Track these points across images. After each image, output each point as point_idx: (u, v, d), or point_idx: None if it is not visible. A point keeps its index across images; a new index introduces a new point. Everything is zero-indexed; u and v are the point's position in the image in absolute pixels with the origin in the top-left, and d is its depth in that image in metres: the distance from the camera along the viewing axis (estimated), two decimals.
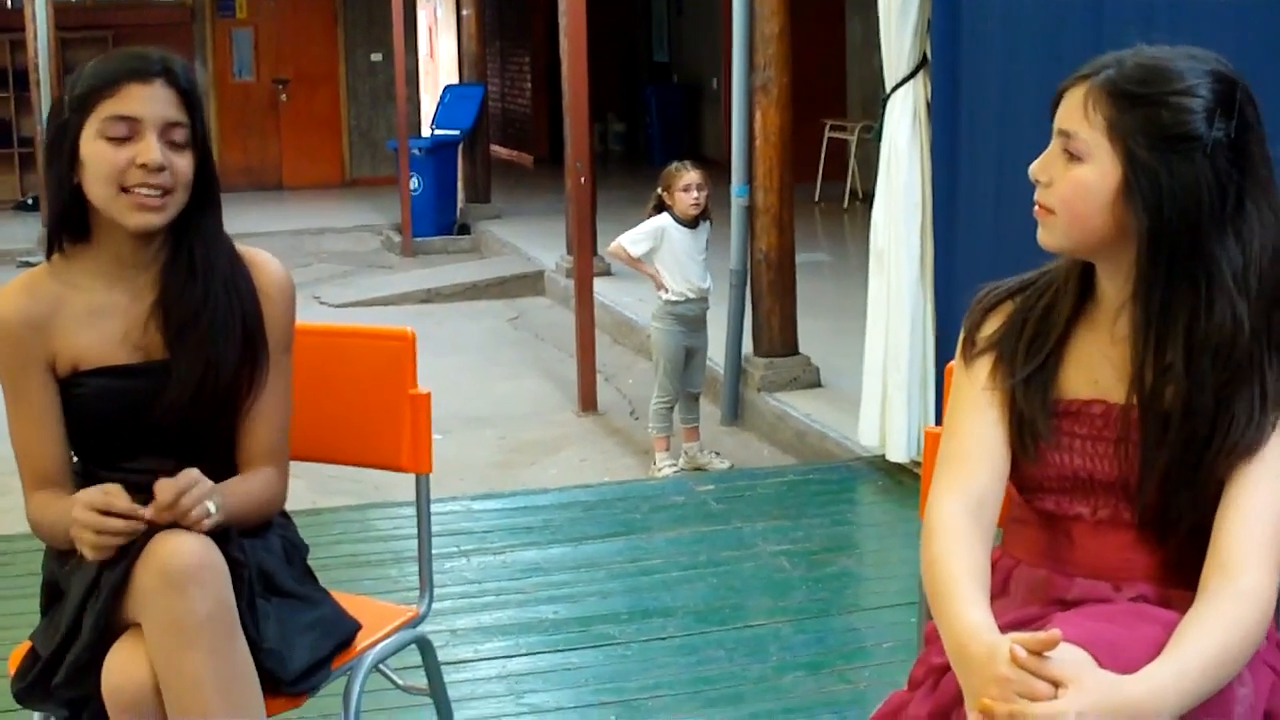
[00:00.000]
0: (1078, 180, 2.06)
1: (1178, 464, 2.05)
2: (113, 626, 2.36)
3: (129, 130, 2.46)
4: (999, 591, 2.21)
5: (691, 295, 6.96)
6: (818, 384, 7.51)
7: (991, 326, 2.24)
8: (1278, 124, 2.13)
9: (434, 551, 3.24)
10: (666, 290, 6.93)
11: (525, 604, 4.60)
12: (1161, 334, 2.05)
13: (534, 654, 4.22)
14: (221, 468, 2.60)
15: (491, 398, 8.86)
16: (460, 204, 15.19)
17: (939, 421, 2.33)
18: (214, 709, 2.29)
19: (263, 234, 14.83)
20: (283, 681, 2.47)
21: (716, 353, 7.47)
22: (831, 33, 15.53)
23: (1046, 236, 2.13)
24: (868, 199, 9.52)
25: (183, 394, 2.53)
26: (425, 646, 2.95)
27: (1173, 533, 2.09)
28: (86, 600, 2.36)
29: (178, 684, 2.29)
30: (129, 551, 2.33)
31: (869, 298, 5.92)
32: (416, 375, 2.96)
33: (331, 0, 18.99)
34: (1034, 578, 2.19)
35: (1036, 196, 2.13)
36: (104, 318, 2.57)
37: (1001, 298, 2.26)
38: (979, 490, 2.15)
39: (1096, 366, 2.15)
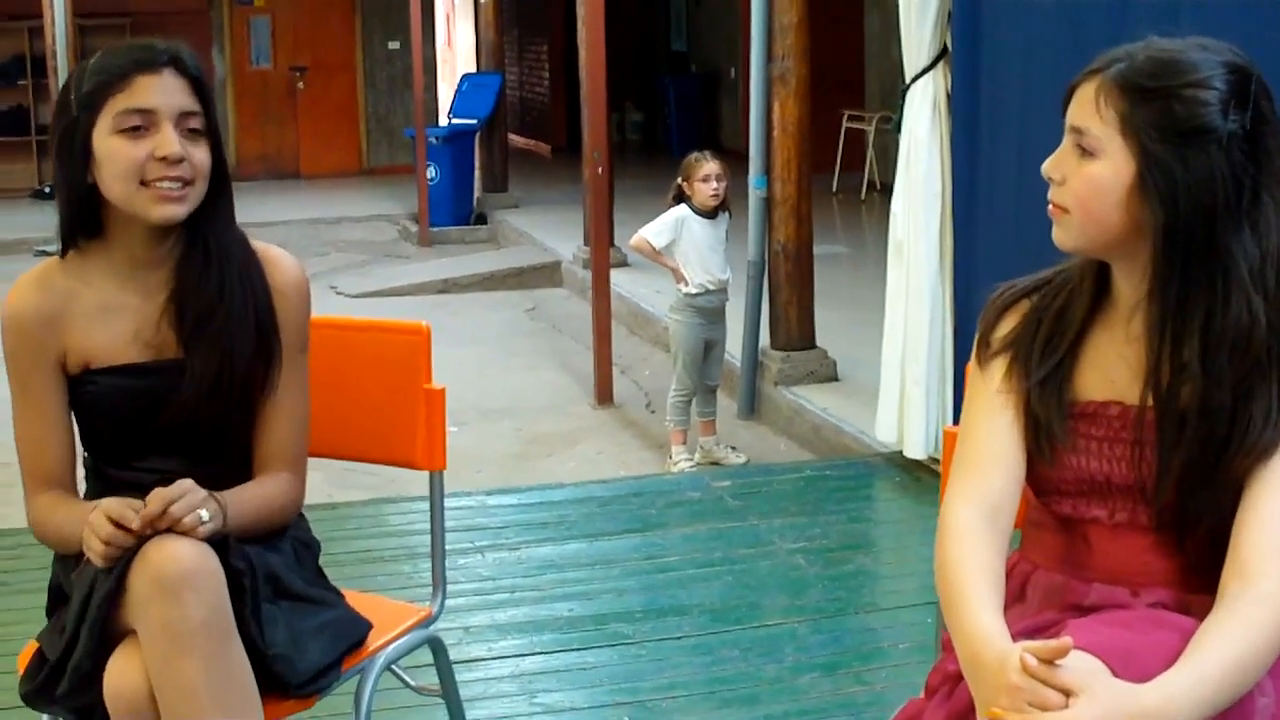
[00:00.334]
0: (1091, 177, 2.02)
1: (1195, 464, 2.01)
2: (112, 633, 2.32)
3: (144, 122, 2.42)
4: (1016, 597, 2.18)
5: (711, 287, 6.92)
6: (835, 378, 7.48)
7: (1006, 327, 2.20)
8: None
9: (448, 548, 3.22)
10: (686, 284, 6.89)
11: (540, 601, 4.56)
12: (1178, 331, 2.01)
13: (548, 653, 4.18)
14: (236, 470, 2.57)
15: (508, 389, 8.84)
16: (477, 193, 15.18)
17: (958, 420, 2.29)
18: (209, 716, 2.25)
19: (279, 223, 14.85)
20: (291, 685, 2.43)
21: (733, 345, 7.44)
22: (850, 23, 15.47)
23: (1062, 235, 2.09)
24: (886, 190, 9.48)
25: (197, 391, 2.49)
26: (437, 647, 2.92)
27: (1191, 535, 2.05)
28: (86, 607, 2.33)
29: (172, 691, 2.25)
30: (125, 558, 2.29)
31: (887, 291, 5.87)
32: (431, 370, 2.92)
33: None
34: (1051, 583, 2.16)
35: (1050, 195, 2.09)
36: (116, 315, 2.53)
37: (1017, 297, 2.22)
38: (994, 495, 2.12)
39: (1112, 367, 2.12)
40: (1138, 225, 2.01)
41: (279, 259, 2.63)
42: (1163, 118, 1.97)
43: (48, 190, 16.56)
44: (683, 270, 6.88)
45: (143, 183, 2.42)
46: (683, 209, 6.89)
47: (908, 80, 5.70)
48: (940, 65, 5.58)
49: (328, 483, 6.17)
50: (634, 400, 8.45)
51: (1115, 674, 1.83)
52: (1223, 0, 3.97)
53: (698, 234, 6.86)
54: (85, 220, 2.51)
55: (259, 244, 2.64)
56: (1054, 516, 2.18)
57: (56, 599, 2.54)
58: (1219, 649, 1.87)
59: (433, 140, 14.53)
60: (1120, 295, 2.12)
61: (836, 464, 6.21)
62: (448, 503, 3.02)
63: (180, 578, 2.25)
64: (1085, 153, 2.03)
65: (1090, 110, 2.02)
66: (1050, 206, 2.09)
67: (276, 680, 2.41)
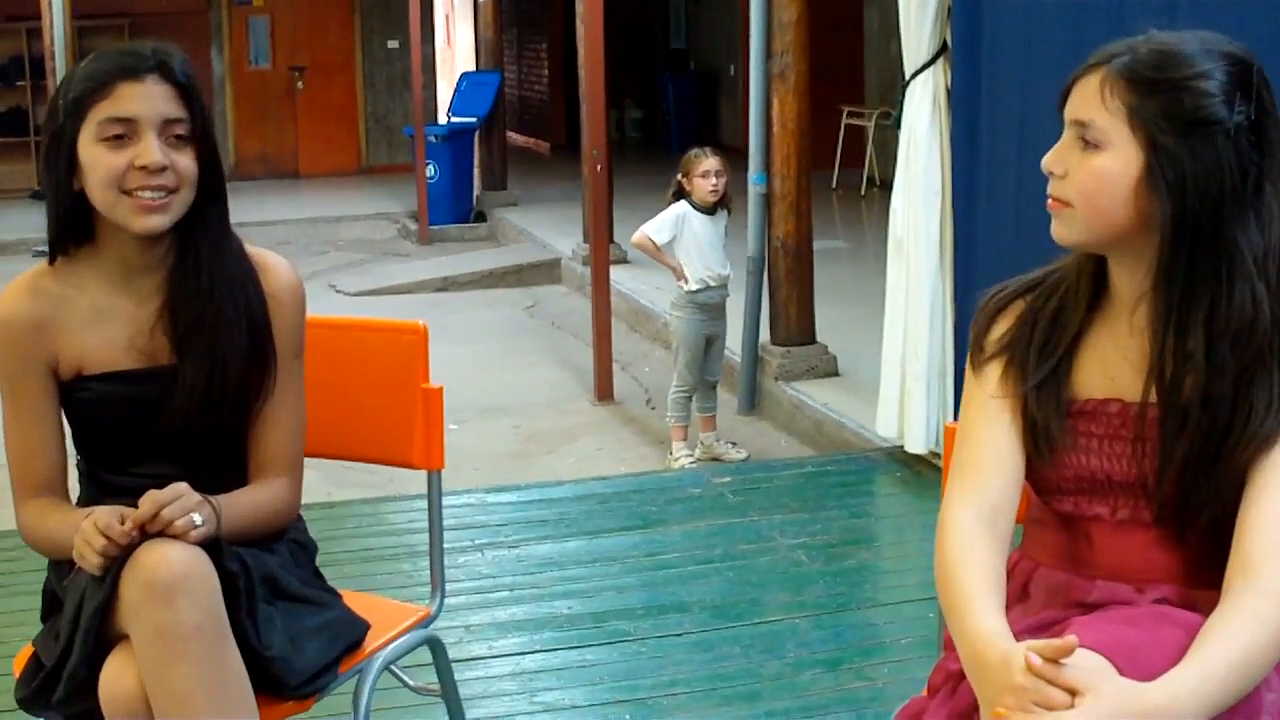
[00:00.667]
0: (1097, 169, 2.01)
1: (1196, 455, 2.00)
2: (106, 639, 2.31)
3: (126, 131, 2.39)
4: (1019, 596, 2.17)
5: (712, 283, 6.91)
6: (835, 373, 7.47)
7: (1000, 330, 2.18)
8: None
9: (447, 546, 3.21)
10: (687, 281, 6.88)
11: (539, 599, 4.55)
12: (1183, 322, 2.00)
13: (548, 651, 4.17)
14: (232, 475, 2.56)
15: (507, 386, 8.83)
16: (476, 191, 15.17)
17: (959, 415, 2.28)
18: None
19: (279, 222, 14.85)
20: (288, 686, 2.42)
21: (733, 341, 7.43)
22: (849, 19, 15.47)
23: (1062, 230, 2.07)
24: (885, 186, 9.47)
25: (190, 399, 2.47)
26: (436, 647, 2.90)
27: (1193, 528, 2.04)
28: (79, 614, 2.31)
29: (166, 695, 2.23)
30: (116, 563, 2.28)
31: (887, 286, 5.86)
32: (428, 369, 2.90)
33: None
34: (1054, 581, 2.15)
35: (1050, 190, 2.07)
36: (109, 321, 2.51)
37: (1009, 299, 2.20)
38: (993, 497, 2.11)
39: (1112, 364, 2.10)
40: (1143, 217, 2.00)
41: (274, 265, 2.61)
42: (1171, 108, 1.96)
43: None
44: (684, 268, 6.87)
45: (124, 192, 2.40)
46: (683, 205, 6.88)
47: (907, 76, 5.69)
48: (940, 61, 5.57)
49: (326, 481, 6.16)
50: (634, 397, 8.44)
51: (1121, 672, 1.82)
52: None
53: (698, 230, 6.85)
54: (74, 226, 2.49)
55: (254, 249, 2.61)
56: (1055, 515, 2.16)
57: (51, 604, 2.52)
58: (1225, 645, 1.85)
59: (432, 139, 14.52)
60: (1118, 291, 2.10)
61: (837, 459, 6.20)
62: (447, 501, 3.01)
63: (172, 582, 2.23)
64: (1089, 145, 2.02)
65: (1095, 102, 2.01)
66: (1050, 201, 2.08)
67: (274, 681, 2.40)
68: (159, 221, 2.42)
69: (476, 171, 15.19)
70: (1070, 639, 1.80)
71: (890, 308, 5.85)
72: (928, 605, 4.23)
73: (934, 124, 5.60)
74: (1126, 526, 2.09)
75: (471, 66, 16.38)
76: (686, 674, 3.99)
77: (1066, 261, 2.17)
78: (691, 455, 6.96)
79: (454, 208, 14.70)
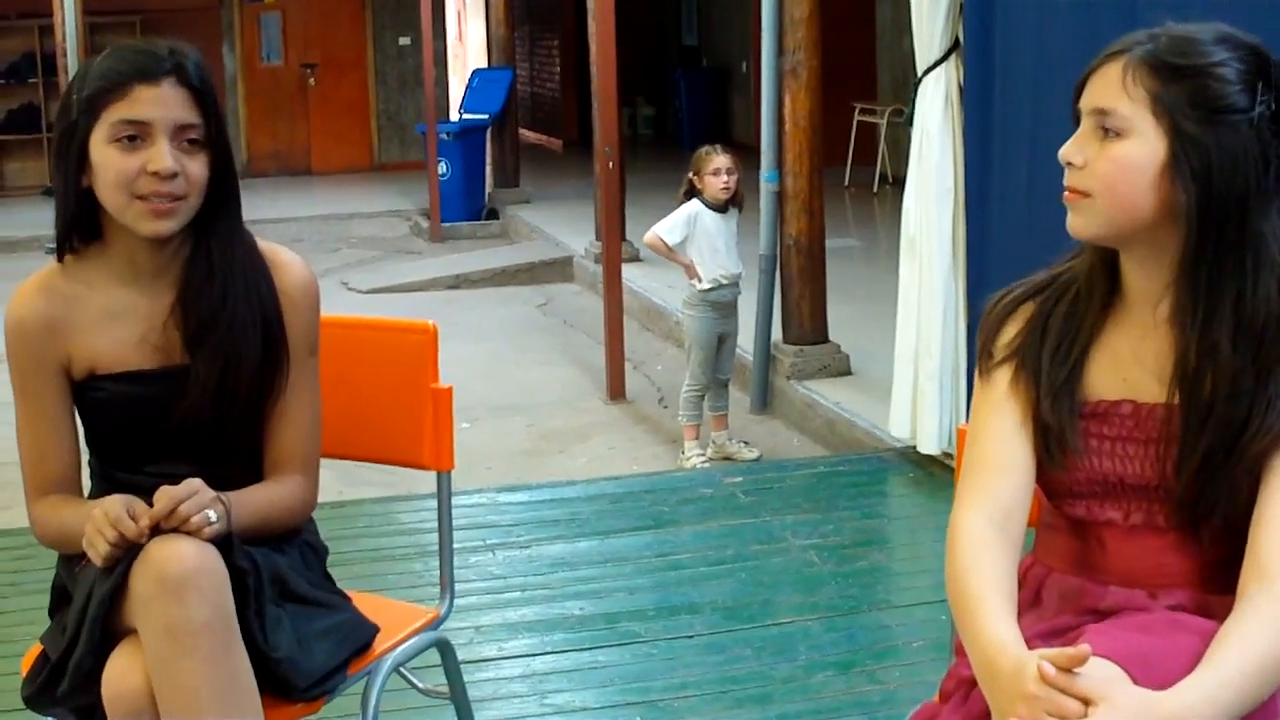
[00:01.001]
0: (1120, 157, 1.98)
1: (1215, 450, 1.98)
2: (113, 632, 2.30)
3: (139, 134, 2.38)
4: (1032, 602, 2.15)
5: (724, 281, 6.89)
6: (848, 372, 7.45)
7: (1009, 334, 2.16)
8: None
9: (458, 546, 3.19)
10: (700, 280, 6.86)
11: (551, 600, 4.53)
12: (1209, 314, 1.98)
13: (559, 652, 4.15)
14: (246, 473, 2.55)
15: (520, 385, 8.81)
16: (489, 189, 15.16)
17: (968, 419, 2.25)
18: (209, 717, 2.22)
19: (291, 219, 14.86)
20: (296, 688, 2.41)
21: (745, 340, 7.41)
22: (861, 16, 15.44)
23: (1080, 222, 2.04)
24: (898, 183, 9.44)
25: (202, 398, 2.47)
26: (445, 649, 2.89)
27: (1207, 527, 2.02)
28: (87, 605, 2.30)
29: (172, 692, 2.22)
30: (127, 557, 2.27)
31: (900, 285, 5.84)
32: (438, 369, 2.89)
33: None
34: (1067, 586, 2.13)
35: (1068, 181, 2.05)
36: (121, 320, 2.50)
37: (1017, 302, 2.18)
38: (1004, 502, 2.08)
39: (1124, 364, 2.08)
40: (1165, 207, 1.98)
41: (288, 263, 2.60)
42: (1196, 95, 1.95)
43: None
44: (696, 266, 6.85)
45: (135, 195, 2.39)
46: (695, 204, 6.86)
47: (919, 73, 5.67)
48: (952, 58, 5.55)
49: (338, 479, 6.13)
50: (646, 395, 8.43)
51: (1135, 680, 1.81)
52: None
53: (710, 228, 6.83)
54: (82, 223, 2.48)
55: (267, 246, 2.60)
56: (1067, 519, 2.14)
57: (59, 599, 2.52)
58: (1239, 651, 1.84)
59: (444, 136, 14.50)
60: (1132, 288, 2.08)
61: (850, 460, 6.18)
62: (458, 500, 2.99)
63: (183, 578, 2.23)
64: (1110, 134, 1.99)
65: (1117, 90, 1.99)
66: (1067, 193, 2.05)
67: (282, 683, 2.39)
68: (167, 226, 2.42)
69: (489, 169, 15.17)
70: (1084, 648, 1.78)
71: (903, 306, 5.82)
72: (940, 608, 4.20)
73: (946, 121, 5.58)
74: (1140, 531, 2.07)
75: (483, 63, 16.36)
76: (698, 676, 3.98)
77: (1074, 263, 2.15)
78: (704, 454, 6.94)
79: (466, 205, 14.68)
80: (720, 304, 6.93)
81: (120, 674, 2.27)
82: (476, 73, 15.98)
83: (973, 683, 1.99)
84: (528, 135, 20.86)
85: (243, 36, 18.70)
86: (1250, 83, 1.95)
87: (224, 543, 2.32)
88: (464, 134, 14.70)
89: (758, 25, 7.53)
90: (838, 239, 9.70)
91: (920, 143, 5.67)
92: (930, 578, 4.58)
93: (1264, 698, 1.84)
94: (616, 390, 8.30)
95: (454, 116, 15.97)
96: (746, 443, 7.04)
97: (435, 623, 2.84)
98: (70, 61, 13.32)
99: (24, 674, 2.48)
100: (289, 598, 2.49)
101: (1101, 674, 1.79)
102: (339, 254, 13.94)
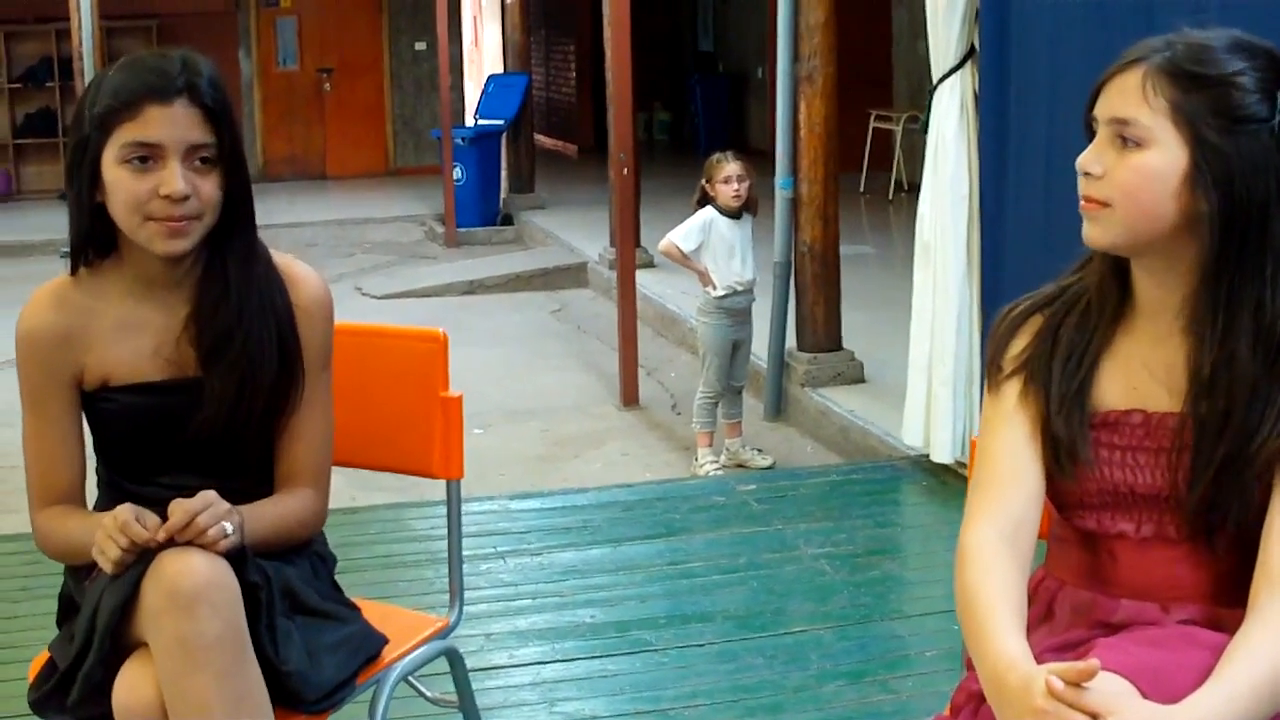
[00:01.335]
0: (1141, 167, 1.97)
1: (1231, 457, 1.96)
2: (123, 644, 2.29)
3: (150, 155, 2.36)
4: (1044, 616, 2.14)
5: (739, 288, 6.88)
6: (862, 379, 7.43)
7: (1019, 346, 2.14)
8: None
9: (470, 553, 3.17)
10: (714, 288, 6.85)
11: (562, 608, 4.52)
12: (1229, 322, 1.97)
13: (569, 660, 4.14)
14: (258, 486, 2.55)
15: (534, 390, 8.81)
16: (504, 194, 15.15)
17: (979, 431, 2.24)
18: None
19: (306, 224, 14.87)
20: (306, 701, 2.40)
21: (759, 347, 7.39)
22: (876, 22, 15.41)
23: (1098, 231, 2.02)
24: (913, 190, 9.42)
25: (217, 413, 2.47)
26: (455, 658, 2.88)
27: (1219, 536, 2.00)
28: (96, 615, 2.29)
29: (184, 706, 2.21)
30: (137, 568, 2.26)
31: (914, 292, 5.82)
32: (448, 377, 2.88)
33: None
34: (1078, 600, 2.11)
35: (1084, 190, 2.03)
36: (135, 332, 2.50)
37: (1026, 314, 2.17)
38: (1014, 515, 2.07)
39: (1134, 374, 2.07)
40: (1186, 217, 1.96)
41: (302, 277, 2.59)
42: (1217, 104, 1.93)
43: None
44: (711, 274, 6.83)
45: (146, 217, 2.38)
46: (709, 211, 6.85)
47: (935, 80, 5.66)
48: (968, 65, 5.53)
49: (350, 484, 6.14)
50: (660, 401, 8.41)
51: (1145, 695, 1.80)
52: None
53: (725, 235, 6.82)
54: (96, 237, 2.48)
55: (282, 259, 2.59)
56: (1078, 532, 2.12)
57: (67, 609, 2.51)
58: (1250, 665, 1.82)
59: (459, 141, 14.50)
60: (1144, 298, 2.07)
61: (863, 468, 6.16)
62: (469, 507, 2.99)
63: (195, 591, 2.22)
64: (1129, 143, 1.98)
65: (1136, 99, 1.97)
66: (1084, 203, 2.03)
67: (291, 696, 2.38)
68: (181, 245, 2.41)
69: (504, 174, 15.17)
70: (1092, 662, 1.77)
71: (917, 314, 5.81)
72: (952, 618, 4.15)
73: (961, 128, 5.56)
74: (1151, 543, 2.06)
75: (499, 68, 16.35)
76: (709, 685, 3.96)
77: (1082, 274, 2.13)
78: (717, 461, 6.93)
79: (481, 210, 14.68)
80: (735, 311, 6.92)
81: (131, 687, 2.26)
82: (492, 78, 15.97)
83: (982, 697, 1.98)
84: (543, 141, 20.86)
85: (259, 41, 18.72)
86: (1269, 91, 1.94)
87: (237, 556, 2.31)
88: (479, 139, 14.69)
89: (773, 31, 7.52)
90: (852, 246, 9.67)
91: (935, 149, 5.65)
92: (943, 587, 4.56)
93: (1275, 710, 1.83)
94: (630, 396, 8.29)
95: (469, 122, 15.96)
96: (760, 450, 7.02)
97: (444, 632, 2.83)
98: (86, 66, 13.35)
99: (31, 679, 2.47)
100: (299, 610, 2.48)
101: (1110, 688, 1.78)
102: (353, 259, 13.94)
